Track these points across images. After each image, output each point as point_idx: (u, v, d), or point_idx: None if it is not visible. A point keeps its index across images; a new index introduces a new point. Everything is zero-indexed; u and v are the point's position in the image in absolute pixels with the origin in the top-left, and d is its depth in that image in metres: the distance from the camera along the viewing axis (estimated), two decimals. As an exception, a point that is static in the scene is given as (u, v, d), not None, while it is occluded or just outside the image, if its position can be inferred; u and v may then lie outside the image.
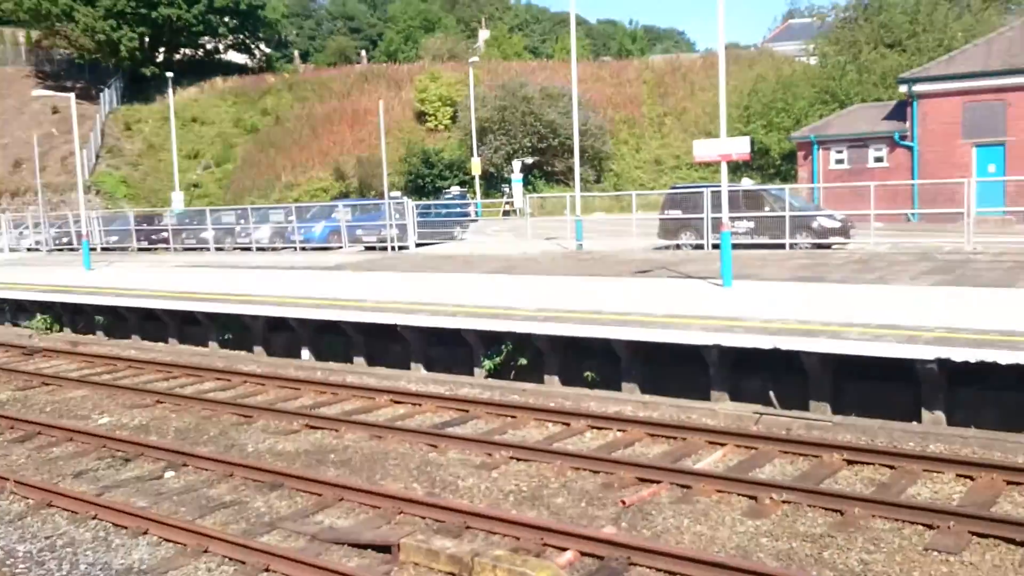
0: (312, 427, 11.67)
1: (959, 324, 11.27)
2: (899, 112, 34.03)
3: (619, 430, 10.80)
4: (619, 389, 12.59)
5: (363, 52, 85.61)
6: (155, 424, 12.43)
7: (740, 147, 16.40)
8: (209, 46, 75.05)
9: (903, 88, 33.18)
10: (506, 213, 48.11)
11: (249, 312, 17.11)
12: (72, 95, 34.71)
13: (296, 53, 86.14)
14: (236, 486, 9.38)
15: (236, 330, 17.79)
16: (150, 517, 8.21)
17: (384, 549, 7.38)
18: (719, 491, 8.50)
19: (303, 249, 32.48)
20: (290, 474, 9.35)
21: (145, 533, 8.03)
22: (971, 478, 8.55)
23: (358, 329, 15.57)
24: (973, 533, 7.26)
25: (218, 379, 15.25)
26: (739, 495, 8.40)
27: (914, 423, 10.26)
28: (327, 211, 35.20)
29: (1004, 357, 9.55)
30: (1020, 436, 9.40)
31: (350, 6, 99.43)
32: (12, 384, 15.63)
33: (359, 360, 15.81)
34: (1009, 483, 8.35)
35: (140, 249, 37.82)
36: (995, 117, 30.98)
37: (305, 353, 16.71)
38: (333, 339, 16.26)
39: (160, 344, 19.10)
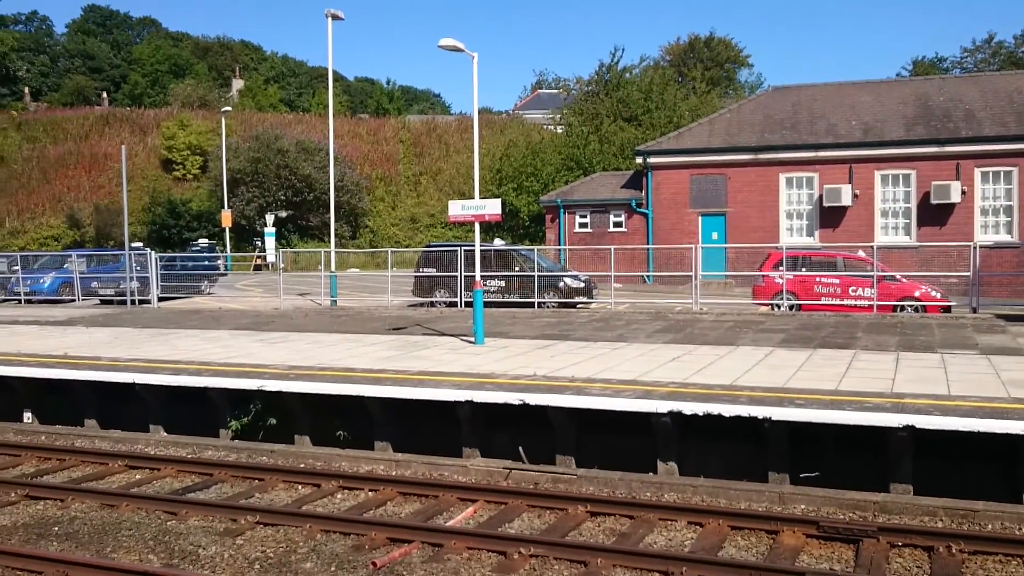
0: (33, 497, 10.60)
1: (689, 379, 12.21)
2: (636, 181, 36.69)
3: (371, 490, 10.68)
4: (372, 448, 12.47)
5: (104, 93, 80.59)
6: None
7: (492, 208, 17.00)
8: (-78, 76, 67.93)
9: (639, 159, 35.86)
10: (257, 267, 46.74)
11: (-39, 371, 15.39)
12: None
13: (26, 90, 79.65)
14: (-62, 568, 8.32)
15: (-56, 391, 15.92)
16: None
17: (114, 629, 6.81)
18: (470, 547, 8.59)
19: (29, 302, 29.80)
20: (3, 551, 8.43)
21: None
22: (701, 524, 9.19)
23: (90, 388, 14.43)
24: (702, 577, 7.80)
25: (-81, 447, 13.52)
26: (489, 551, 8.53)
27: (651, 473, 10.92)
28: (59, 261, 32.65)
29: (727, 410, 10.43)
30: (742, 483, 10.24)
31: (91, 45, 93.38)
32: None
33: (91, 422, 14.62)
34: (733, 528, 9.06)
35: None
36: (718, 189, 34.17)
37: (27, 415, 15.22)
38: (61, 400, 14.95)
39: None
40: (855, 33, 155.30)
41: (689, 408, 10.59)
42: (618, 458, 11.20)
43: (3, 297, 30.86)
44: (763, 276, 22.91)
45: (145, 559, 8.47)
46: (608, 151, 46.70)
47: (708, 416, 10.50)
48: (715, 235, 33.97)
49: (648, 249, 32.75)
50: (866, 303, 21.19)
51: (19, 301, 29.98)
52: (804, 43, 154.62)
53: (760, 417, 10.27)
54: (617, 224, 36.03)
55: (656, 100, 49.50)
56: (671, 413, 10.65)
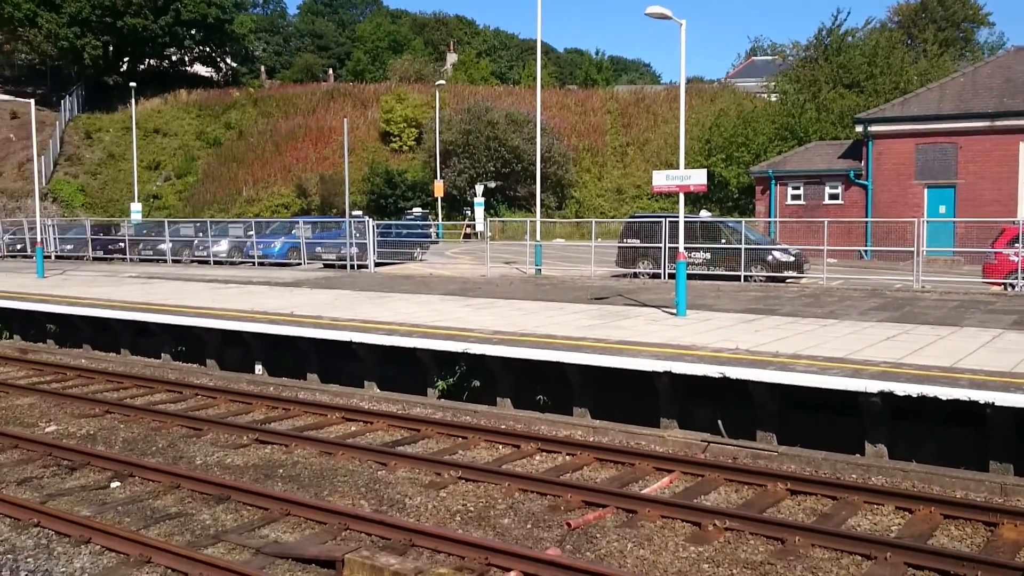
0: (262, 442, 11.62)
1: (903, 360, 11.57)
2: (855, 151, 34.82)
3: (568, 454, 10.90)
4: (570, 413, 12.70)
5: (330, 70, 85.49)
6: (103, 434, 12.28)
7: (697, 179, 16.71)
8: (175, 58, 74.49)
9: (859, 128, 33.97)
10: (467, 236, 48.25)
11: (203, 325, 16.99)
12: (32, 101, 34.33)
13: (262, 68, 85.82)
14: (182, 498, 9.31)
15: (190, 342, 17.65)
16: (93, 526, 8.13)
17: (328, 564, 7.38)
18: (664, 516, 8.61)
19: (261, 264, 32.30)
20: (237, 487, 9.31)
21: (88, 542, 7.94)
22: (910, 511, 8.75)
23: (313, 345, 15.54)
24: (909, 564, 7.43)
25: (169, 391, 15.10)
26: (683, 521, 8.52)
27: (857, 455, 10.47)
28: (287, 227, 35.10)
29: (945, 392, 9.82)
30: (958, 471, 9.64)
31: (319, 24, 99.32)
32: (-44, 390, 15.34)
33: (312, 376, 15.76)
34: (946, 517, 8.56)
35: (96, 259, 37.32)
36: (947, 159, 31.84)
37: (258, 368, 16.61)
38: (287, 355, 16.20)
39: (112, 354, 18.86)
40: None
41: (902, 389, 10.05)
42: (822, 437, 10.83)
43: (239, 259, 33.62)
44: (995, 253, 21.23)
45: (357, 504, 9.09)
46: (826, 120, 44.53)
47: (923, 398, 9.92)
48: (942, 208, 31.73)
49: (866, 223, 31.08)
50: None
51: (253, 263, 32.55)
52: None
53: (982, 402, 9.60)
54: (833, 196, 34.39)
55: (881, 65, 46.55)
56: (882, 393, 10.16)
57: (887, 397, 10.16)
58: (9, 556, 7.74)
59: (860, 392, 10.29)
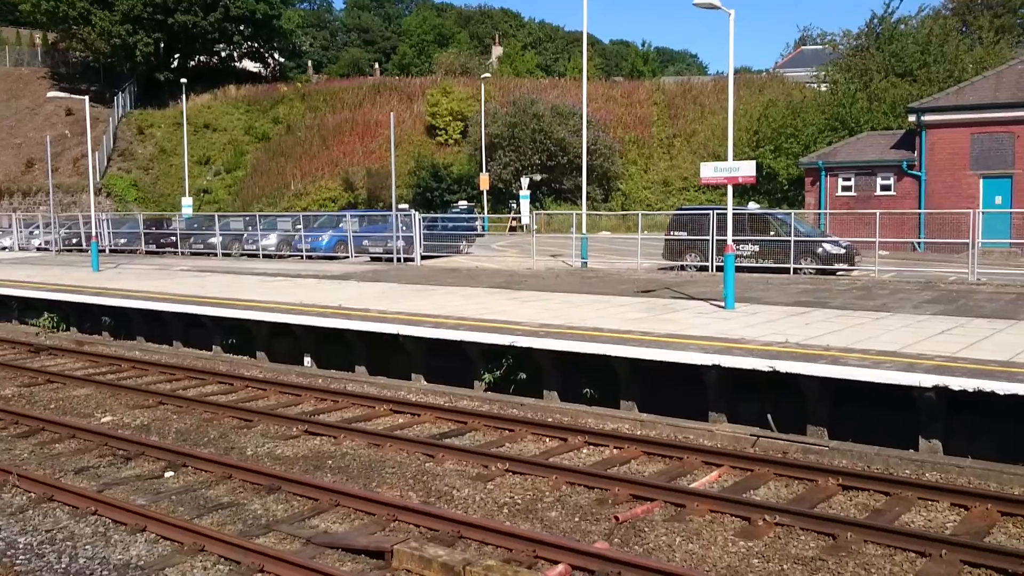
0: (311, 433, 11.75)
1: (959, 353, 11.34)
2: (907, 141, 34.15)
3: (615, 447, 10.86)
4: (617, 407, 12.66)
5: (376, 64, 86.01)
6: (156, 425, 12.52)
7: (746, 171, 16.52)
8: (224, 54, 75.56)
9: (912, 118, 33.31)
10: (512, 229, 48.28)
11: (253, 317, 17.21)
12: (86, 98, 35.01)
13: (309, 63, 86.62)
14: (234, 488, 9.45)
15: (240, 335, 17.90)
16: (149, 515, 8.29)
17: (377, 555, 7.44)
18: (712, 511, 8.55)
19: (309, 258, 32.65)
20: (287, 478, 9.43)
21: (143, 530, 8.10)
22: (966, 508, 8.58)
23: (361, 338, 15.67)
24: (965, 562, 7.29)
25: (220, 383, 15.35)
26: (732, 515, 8.45)
27: (911, 451, 10.29)
28: (335, 221, 35.41)
29: (1002, 387, 9.60)
30: (1016, 467, 9.43)
31: (364, 19, 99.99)
32: (18, 380, 15.75)
33: (360, 369, 15.89)
34: (1004, 514, 8.38)
35: (148, 252, 38.03)
36: (1003, 149, 31.09)
37: (307, 360, 16.80)
38: (335, 347, 16.35)
39: (164, 346, 19.21)
40: None
41: (957, 383, 9.84)
42: (874, 432, 10.65)
43: (288, 253, 34.02)
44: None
45: (406, 495, 9.15)
46: (877, 109, 43.68)
47: (979, 393, 9.71)
48: (999, 199, 31.01)
49: (919, 214, 30.48)
50: None
51: (301, 257, 32.91)
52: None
53: (1041, 397, 9.37)
54: (885, 187, 33.79)
55: (935, 53, 45.52)
56: (936, 388, 9.96)
57: (942, 391, 9.96)
58: (68, 543, 7.93)
59: (914, 386, 10.10)
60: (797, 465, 9.87)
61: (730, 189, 17.31)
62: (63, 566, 7.44)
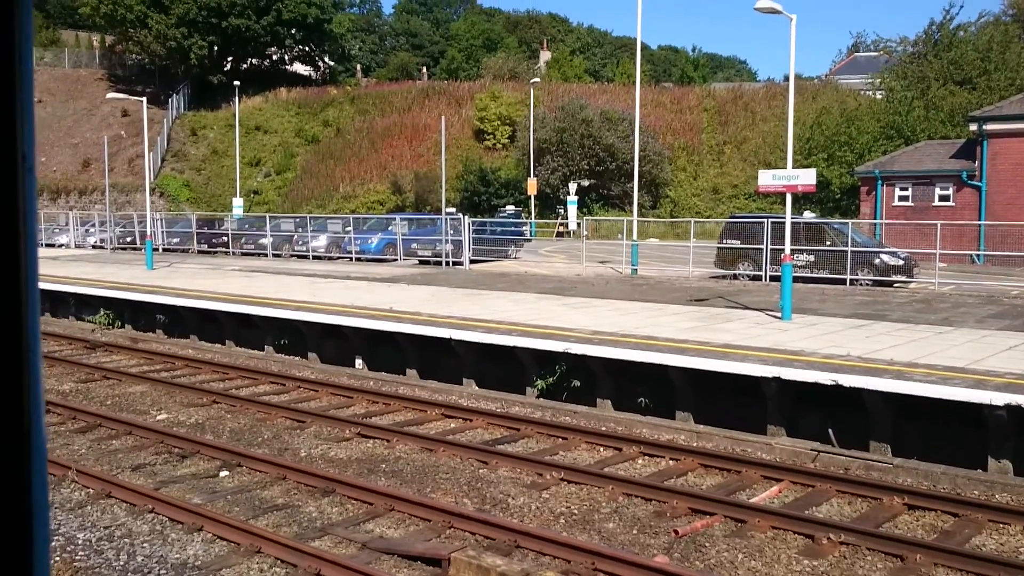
0: (364, 435, 11.71)
1: (1029, 370, 10.96)
2: (967, 151, 33.39)
3: (672, 459, 10.67)
4: (672, 417, 12.45)
5: (424, 68, 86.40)
6: (211, 423, 12.58)
7: (806, 179, 16.22)
8: (275, 57, 76.40)
9: (973, 127, 32.56)
10: (560, 234, 48.09)
11: (305, 318, 17.28)
12: (144, 99, 35.55)
13: (359, 67, 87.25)
14: (288, 489, 9.44)
15: (291, 335, 17.98)
16: (206, 514, 8.30)
17: (434, 562, 7.35)
18: (774, 527, 8.33)
19: (359, 260, 32.79)
20: (342, 481, 9.39)
21: (200, 530, 8.11)
22: (1039, 531, 8.28)
23: (412, 341, 15.64)
24: (1041, 587, 7.02)
25: (273, 383, 15.41)
26: (795, 533, 8.22)
27: (979, 471, 9.96)
28: (384, 224, 35.54)
29: (1077, 407, 9.25)
30: (1091, 490, 9.08)
31: (413, 23, 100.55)
32: (75, 376, 15.97)
33: (411, 372, 15.86)
34: (1079, 538, 8.07)
35: (200, 252, 38.51)
36: (1068, 160, 30.27)
37: (358, 362, 16.81)
38: (386, 350, 16.34)
39: (217, 345, 19.37)
40: None
41: (1031, 402, 9.51)
42: (940, 450, 10.33)
43: (337, 255, 34.21)
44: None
45: (460, 502, 9.06)
46: (935, 118, 42.82)
47: (1054, 413, 9.37)
48: (1063, 212, 30.16)
49: (980, 225, 29.74)
50: None
51: (351, 259, 33.07)
52: None
53: (1121, 418, 9.01)
54: (943, 198, 33.07)
55: (996, 60, 44.53)
56: (1008, 407, 9.63)
57: (1014, 410, 9.63)
58: (126, 540, 7.95)
59: (984, 404, 9.78)
60: (860, 482, 9.60)
61: (789, 198, 17.02)
62: (121, 563, 7.46)
